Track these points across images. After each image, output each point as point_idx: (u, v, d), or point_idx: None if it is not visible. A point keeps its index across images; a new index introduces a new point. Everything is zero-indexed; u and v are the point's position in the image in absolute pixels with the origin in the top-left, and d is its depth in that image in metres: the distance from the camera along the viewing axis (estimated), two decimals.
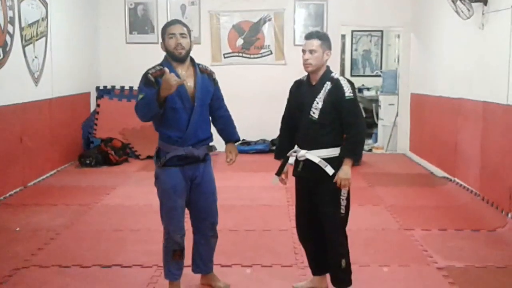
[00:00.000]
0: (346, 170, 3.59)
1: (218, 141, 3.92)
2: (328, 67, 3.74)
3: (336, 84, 3.63)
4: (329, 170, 3.60)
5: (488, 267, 4.43)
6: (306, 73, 3.82)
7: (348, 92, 3.60)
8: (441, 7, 7.70)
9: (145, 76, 3.62)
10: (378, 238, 5.18)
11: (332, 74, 3.70)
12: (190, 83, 3.65)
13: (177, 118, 3.60)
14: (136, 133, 9.16)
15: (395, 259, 4.59)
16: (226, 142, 3.98)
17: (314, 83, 3.70)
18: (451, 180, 7.28)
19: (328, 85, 3.64)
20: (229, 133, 3.97)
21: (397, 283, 4.14)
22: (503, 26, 5.81)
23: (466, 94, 6.87)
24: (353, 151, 3.64)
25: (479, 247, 4.93)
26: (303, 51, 3.66)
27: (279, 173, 3.89)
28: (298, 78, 3.90)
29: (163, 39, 3.67)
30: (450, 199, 6.58)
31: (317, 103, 3.63)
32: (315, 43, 3.64)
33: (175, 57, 3.63)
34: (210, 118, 3.86)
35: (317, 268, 3.92)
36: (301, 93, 3.76)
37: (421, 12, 9.12)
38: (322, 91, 3.63)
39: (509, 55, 5.63)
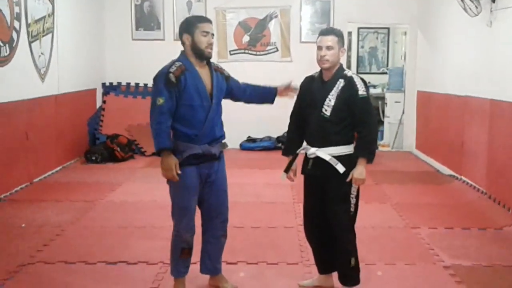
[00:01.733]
0: (360, 169, 3.56)
1: (227, 139, 3.88)
2: (341, 64, 3.71)
3: (350, 81, 3.59)
4: (340, 168, 3.57)
5: (495, 266, 4.40)
6: (312, 70, 3.80)
7: (361, 90, 3.57)
8: (448, 4, 7.65)
9: (165, 74, 3.52)
10: (384, 236, 5.16)
11: (345, 72, 3.66)
12: (207, 81, 3.64)
13: (194, 115, 3.57)
14: (142, 130, 9.16)
15: (401, 257, 4.57)
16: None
17: (326, 80, 3.66)
18: (457, 178, 7.25)
19: (341, 83, 3.60)
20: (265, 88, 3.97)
21: (403, 281, 4.12)
22: (511, 24, 5.78)
23: (473, 91, 6.84)
24: (367, 150, 3.60)
25: (486, 245, 4.90)
26: (319, 47, 3.61)
27: (287, 169, 3.86)
28: (306, 74, 3.85)
29: (192, 33, 3.57)
30: (456, 197, 6.55)
31: (330, 100, 3.59)
32: (333, 39, 3.60)
33: (202, 55, 3.59)
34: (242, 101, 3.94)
35: (323, 266, 3.90)
36: (312, 90, 3.72)
37: (428, 9, 9.08)
38: (335, 88, 3.60)
39: None
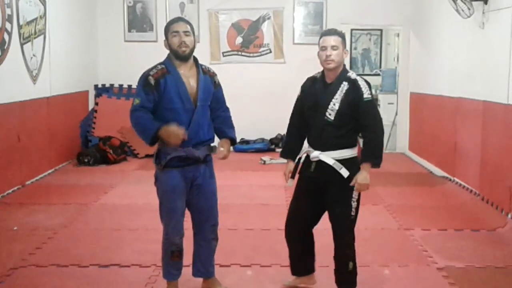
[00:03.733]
0: (365, 175, 3.53)
1: (217, 141, 3.86)
2: (344, 65, 3.66)
3: (354, 84, 3.54)
4: (344, 172, 3.53)
5: (488, 267, 4.41)
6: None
7: (366, 94, 3.51)
8: (441, 5, 7.67)
9: (145, 77, 3.56)
10: (377, 237, 5.16)
11: (349, 74, 3.61)
12: (192, 83, 3.61)
13: (176, 118, 3.54)
14: (134, 132, 9.10)
15: (394, 259, 4.57)
16: (221, 138, 3.88)
17: (329, 82, 3.62)
18: (450, 179, 7.26)
19: (345, 85, 3.55)
20: (224, 131, 3.85)
21: (396, 283, 4.12)
22: (504, 25, 5.79)
23: (466, 93, 6.85)
24: (373, 155, 3.55)
25: (479, 247, 4.91)
26: (324, 47, 3.55)
27: (293, 175, 3.81)
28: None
29: (166, 37, 3.60)
30: (449, 199, 6.56)
31: (334, 104, 3.53)
32: (337, 39, 3.56)
33: (178, 56, 3.58)
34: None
35: (298, 269, 3.90)
36: (315, 92, 3.66)
37: (421, 10, 9.10)
38: (339, 92, 3.54)
39: (510, 54, 5.61)
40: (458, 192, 6.73)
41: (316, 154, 3.61)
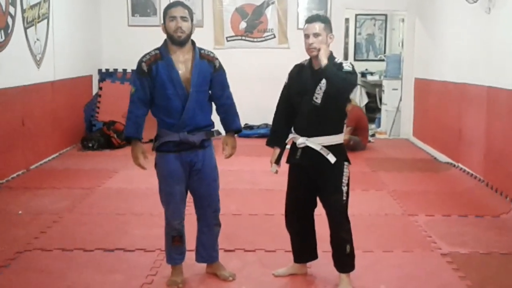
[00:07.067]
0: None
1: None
2: (331, 52, 3.64)
3: (339, 68, 3.53)
4: (331, 158, 3.54)
5: (492, 254, 4.41)
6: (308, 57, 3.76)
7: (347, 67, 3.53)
8: None
9: (139, 64, 3.58)
10: (381, 223, 5.17)
11: (336, 60, 3.60)
12: (186, 68, 3.58)
13: (170, 104, 3.55)
14: None
15: (398, 244, 4.58)
16: (226, 132, 3.87)
17: (317, 68, 3.61)
18: (454, 165, 7.25)
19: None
20: (227, 122, 3.82)
21: (400, 268, 4.12)
22: (510, 11, 5.75)
23: (471, 79, 6.82)
24: None
25: (483, 233, 4.91)
26: (306, 35, 3.56)
27: (278, 161, 3.81)
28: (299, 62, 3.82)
29: (164, 21, 3.58)
30: (454, 185, 6.56)
31: (321, 88, 3.53)
32: (319, 26, 3.54)
33: (174, 41, 3.55)
34: (214, 106, 3.79)
35: (300, 256, 3.92)
36: (303, 78, 3.67)
37: None
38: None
39: None
40: (462, 178, 6.72)
41: (302, 141, 3.61)
